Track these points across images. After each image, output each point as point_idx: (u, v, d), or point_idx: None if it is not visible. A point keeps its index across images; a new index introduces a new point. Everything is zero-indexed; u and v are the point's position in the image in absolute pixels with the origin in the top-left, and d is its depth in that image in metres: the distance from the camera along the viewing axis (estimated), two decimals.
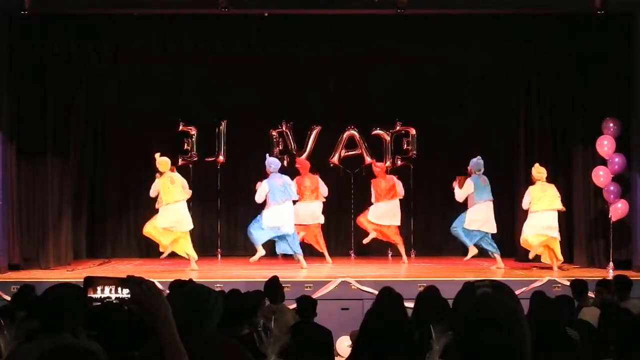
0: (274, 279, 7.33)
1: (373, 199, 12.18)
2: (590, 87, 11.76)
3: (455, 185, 11.54)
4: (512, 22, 11.44)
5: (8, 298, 8.62)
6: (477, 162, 11.48)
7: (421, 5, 10.86)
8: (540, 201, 11.09)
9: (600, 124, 11.42)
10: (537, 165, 11.33)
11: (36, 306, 4.28)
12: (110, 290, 6.10)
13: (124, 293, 5.95)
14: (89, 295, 6.05)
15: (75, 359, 2.35)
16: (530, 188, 11.22)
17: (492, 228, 11.55)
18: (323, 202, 11.96)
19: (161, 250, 11.11)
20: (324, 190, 11.95)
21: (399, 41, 11.74)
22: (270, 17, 11.45)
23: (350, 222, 12.91)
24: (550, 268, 11.09)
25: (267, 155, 11.71)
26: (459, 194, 11.50)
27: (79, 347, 2.53)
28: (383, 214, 12.13)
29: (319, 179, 11.98)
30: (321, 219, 11.95)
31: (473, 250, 11.65)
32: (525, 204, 11.22)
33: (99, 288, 6.08)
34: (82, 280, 5.96)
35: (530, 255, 11.16)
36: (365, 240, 12.23)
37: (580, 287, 7.29)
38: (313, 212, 11.88)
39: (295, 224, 11.54)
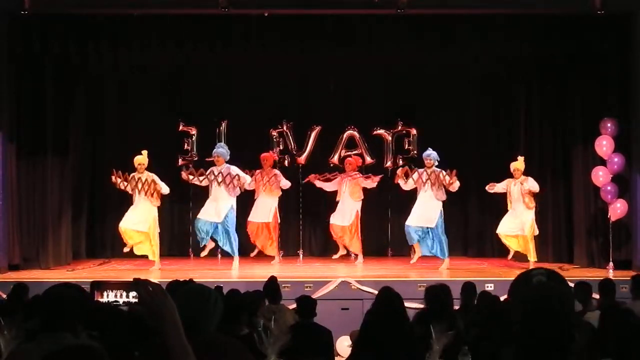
0: (273, 279, 7.34)
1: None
2: (590, 87, 11.76)
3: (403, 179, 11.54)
4: (512, 22, 11.44)
5: None
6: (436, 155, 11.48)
7: (421, 5, 10.87)
8: None
9: (599, 124, 11.42)
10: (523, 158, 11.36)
11: (36, 306, 4.29)
12: (116, 294, 6.11)
13: (131, 297, 5.96)
14: (97, 300, 6.06)
15: (82, 358, 2.36)
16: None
17: None
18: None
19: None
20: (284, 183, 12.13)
21: (399, 41, 11.75)
22: (270, 17, 11.45)
23: None
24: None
25: (222, 144, 11.76)
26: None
27: (83, 345, 2.53)
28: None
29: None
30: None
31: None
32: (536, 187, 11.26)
33: (104, 293, 6.09)
34: (82, 280, 5.96)
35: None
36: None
37: (583, 291, 7.10)
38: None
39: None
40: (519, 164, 11.37)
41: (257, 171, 12.07)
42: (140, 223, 11.29)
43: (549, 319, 2.23)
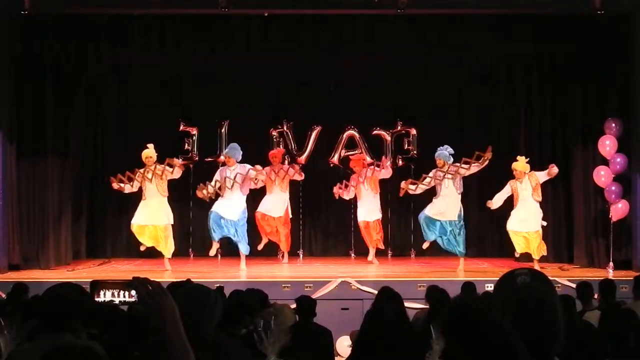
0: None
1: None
2: (591, 87, 11.77)
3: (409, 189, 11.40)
4: (512, 22, 11.44)
5: None
6: (446, 154, 11.33)
7: (421, 5, 10.87)
8: None
9: (600, 123, 11.44)
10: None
11: (36, 306, 4.29)
12: (113, 294, 6.11)
13: (127, 296, 5.95)
14: (95, 299, 6.06)
15: (79, 358, 2.35)
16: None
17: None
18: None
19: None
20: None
21: (399, 41, 11.75)
22: (270, 17, 11.45)
23: (350, 221, 12.87)
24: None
25: (234, 144, 11.65)
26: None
27: (82, 346, 2.53)
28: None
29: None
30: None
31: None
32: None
33: (101, 292, 6.09)
34: (82, 280, 5.96)
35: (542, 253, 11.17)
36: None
37: (585, 291, 7.09)
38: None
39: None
40: (520, 165, 11.22)
41: (267, 168, 11.95)
42: (157, 217, 11.21)
43: (529, 320, 2.22)
